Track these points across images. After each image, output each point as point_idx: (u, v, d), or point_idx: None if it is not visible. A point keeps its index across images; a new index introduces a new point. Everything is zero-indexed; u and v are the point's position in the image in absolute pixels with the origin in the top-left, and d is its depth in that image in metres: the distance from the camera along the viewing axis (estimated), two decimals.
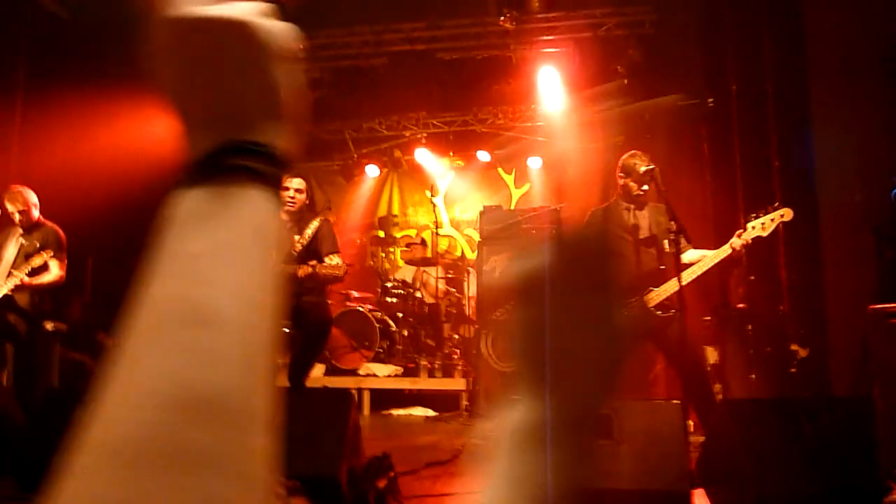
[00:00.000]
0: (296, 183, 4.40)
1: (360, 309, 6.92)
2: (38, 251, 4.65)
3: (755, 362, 4.45)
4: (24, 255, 4.71)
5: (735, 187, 4.69)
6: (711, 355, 4.88)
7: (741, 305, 4.83)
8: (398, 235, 9.28)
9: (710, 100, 5.24)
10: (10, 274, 4.63)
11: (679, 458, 2.75)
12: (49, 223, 4.90)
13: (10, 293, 4.61)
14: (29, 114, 5.71)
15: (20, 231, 4.79)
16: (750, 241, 3.58)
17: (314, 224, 4.36)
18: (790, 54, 4.58)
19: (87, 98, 6.02)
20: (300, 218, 4.44)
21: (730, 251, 3.60)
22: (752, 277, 4.60)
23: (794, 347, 4.23)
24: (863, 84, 4.30)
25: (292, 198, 4.36)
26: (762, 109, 4.58)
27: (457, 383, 6.36)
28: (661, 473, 2.70)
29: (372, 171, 9.54)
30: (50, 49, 6.04)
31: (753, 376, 4.45)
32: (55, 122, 5.72)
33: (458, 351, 6.84)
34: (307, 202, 4.50)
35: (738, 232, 3.61)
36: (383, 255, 8.71)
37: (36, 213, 4.84)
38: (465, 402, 6.17)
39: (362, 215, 9.69)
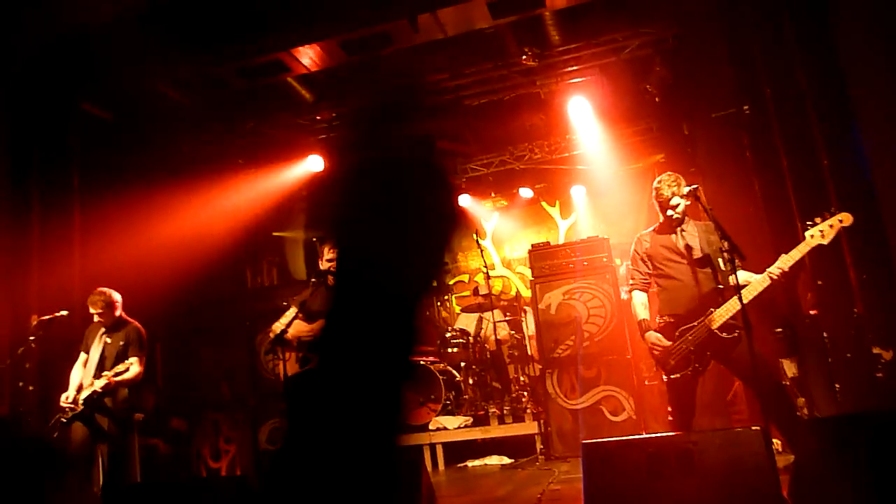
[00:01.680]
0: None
1: (422, 362, 6.90)
2: (122, 351, 4.93)
3: (837, 371, 4.22)
4: (110, 355, 4.98)
5: (786, 193, 4.53)
6: (789, 369, 4.66)
7: (813, 312, 4.61)
8: (452, 283, 9.29)
9: (746, 107, 5.11)
10: (99, 375, 4.85)
11: (768, 486, 2.61)
12: (131, 321, 5.21)
13: (98, 396, 4.81)
14: (86, 215, 6.00)
15: (103, 330, 5.04)
16: (787, 270, 3.44)
17: None
18: (820, 48, 4.45)
19: (138, 191, 6.30)
20: None
21: (769, 282, 3.47)
22: (820, 282, 4.39)
23: (876, 350, 4.00)
24: None
25: (334, 264, 4.43)
26: (801, 109, 4.44)
27: (528, 427, 6.24)
28: None
29: None
30: (99, 151, 6.37)
31: (838, 386, 4.21)
32: (111, 218, 6.00)
33: (526, 393, 6.73)
34: None
35: (776, 266, 3.47)
36: (439, 304, 8.71)
37: (118, 312, 5.12)
38: (539, 445, 6.04)
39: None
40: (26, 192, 5.67)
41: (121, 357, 4.93)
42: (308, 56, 6.20)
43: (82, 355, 5.10)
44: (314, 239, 9.81)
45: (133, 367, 4.91)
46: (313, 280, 4.59)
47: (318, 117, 7.48)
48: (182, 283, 6.50)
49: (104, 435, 4.88)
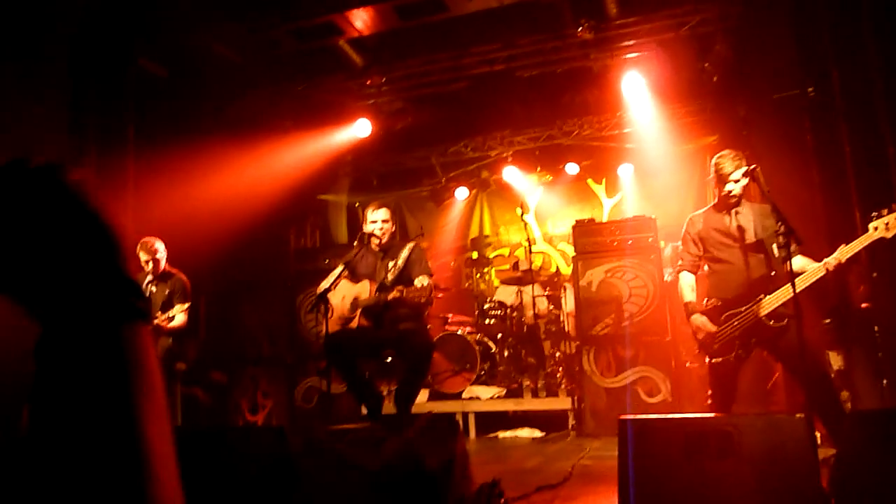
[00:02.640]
0: (381, 214, 4.51)
1: (460, 332, 6.94)
2: (167, 300, 5.07)
3: (886, 367, 4.10)
4: (155, 303, 5.10)
5: (847, 182, 4.37)
6: (836, 361, 4.55)
7: (865, 305, 4.48)
8: (492, 256, 9.28)
9: (811, 89, 4.92)
10: None
11: (809, 477, 2.56)
12: (177, 272, 5.32)
13: None
14: (140, 169, 6.13)
15: (150, 278, 5.17)
16: (844, 261, 3.33)
17: (405, 251, 4.43)
18: (894, 31, 4.25)
19: (189, 147, 6.41)
20: (391, 246, 4.53)
21: (824, 272, 3.36)
22: (875, 274, 4.26)
23: None
24: None
25: (381, 228, 4.47)
26: (869, 95, 4.25)
27: (562, 402, 6.24)
28: (791, 495, 2.52)
29: (461, 193, 9.61)
30: (154, 106, 6.49)
31: (885, 381, 4.10)
32: (163, 172, 6.12)
33: (561, 369, 6.72)
34: (394, 230, 4.60)
35: (833, 257, 3.36)
36: (478, 276, 8.71)
37: (163, 262, 5.23)
38: (571, 421, 6.04)
39: (454, 238, 9.77)
40: (83, 143, 5.81)
41: (166, 306, 5.07)
42: (361, 19, 6.17)
43: None
44: (357, 203, 9.89)
45: (178, 316, 5.05)
46: (356, 243, 4.63)
47: (367, 82, 7.46)
48: (227, 240, 6.62)
49: None
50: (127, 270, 0.66)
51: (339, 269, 4.40)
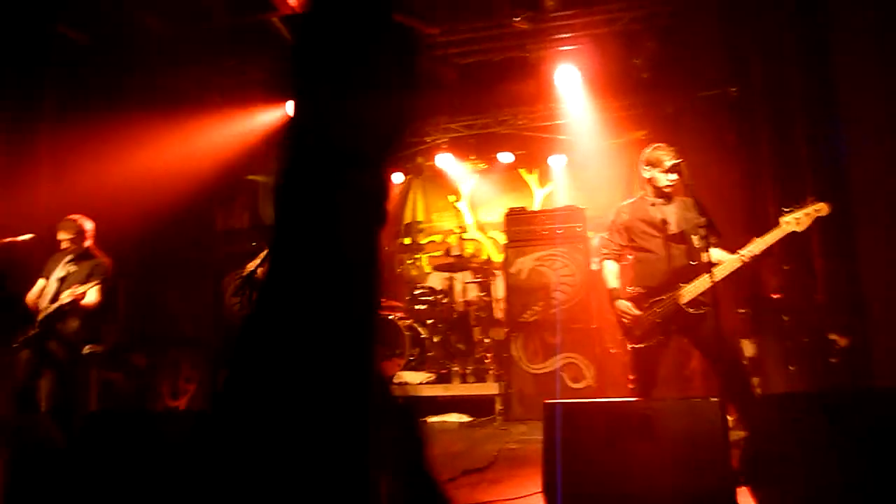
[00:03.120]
0: None
1: (391, 317, 6.93)
2: (83, 281, 4.81)
3: (794, 354, 4.36)
4: (71, 283, 4.84)
5: (764, 178, 4.60)
6: (748, 348, 4.79)
7: (776, 296, 4.73)
8: (424, 242, 9.28)
9: (734, 89, 5.14)
10: (55, 300, 4.75)
11: (722, 458, 2.70)
12: (100, 254, 5.07)
13: (51, 321, 4.72)
14: (58, 141, 5.83)
15: (70, 257, 4.95)
16: (758, 253, 3.52)
17: None
18: (814, 37, 4.49)
19: (111, 121, 6.13)
20: None
21: (740, 263, 3.54)
22: (787, 267, 4.50)
23: (832, 337, 4.13)
24: (892, 63, 4.20)
25: None
26: (788, 96, 4.49)
27: (490, 388, 6.34)
28: (705, 474, 2.65)
29: (395, 178, 9.56)
30: (73, 76, 6.16)
31: (792, 368, 4.36)
32: (81, 146, 5.83)
33: (490, 355, 6.81)
34: None
35: (748, 249, 3.54)
36: (410, 262, 8.71)
37: (87, 242, 5.00)
38: (499, 406, 6.14)
39: (388, 223, 9.71)
40: None
41: (81, 284, 4.82)
42: None
43: (41, 281, 4.96)
44: None
45: (90, 295, 4.81)
46: None
47: None
48: (152, 218, 6.38)
49: (53, 361, 4.80)
50: None
51: (266, 252, 4.29)
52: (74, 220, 4.98)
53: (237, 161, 7.79)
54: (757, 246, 3.54)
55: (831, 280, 4.26)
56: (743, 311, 4.91)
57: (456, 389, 6.46)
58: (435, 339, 6.99)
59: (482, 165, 9.48)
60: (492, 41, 7.00)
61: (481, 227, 9.63)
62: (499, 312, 7.15)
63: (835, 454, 2.42)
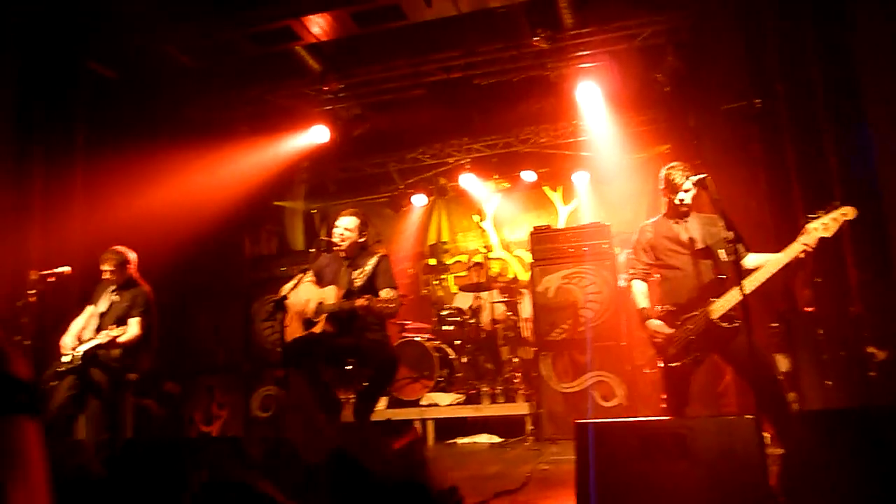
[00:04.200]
0: (344, 221, 4.49)
1: (418, 339, 6.94)
2: (125, 312, 4.97)
3: (830, 368, 4.26)
4: (114, 313, 5.00)
5: (791, 189, 4.54)
6: (783, 363, 4.70)
7: (810, 309, 4.64)
8: (449, 262, 9.31)
9: (757, 101, 5.10)
10: (100, 331, 4.90)
11: (759, 477, 2.64)
12: (142, 284, 5.23)
13: (95, 349, 4.83)
14: (90, 173, 5.98)
15: (113, 287, 5.11)
16: (812, 245, 3.44)
17: (372, 261, 4.40)
18: (836, 45, 4.44)
19: (141, 153, 6.28)
20: (357, 255, 4.50)
21: (792, 257, 3.47)
22: (819, 279, 4.42)
23: (870, 350, 4.03)
24: None
25: (341, 236, 4.44)
26: (812, 106, 4.43)
27: (520, 408, 6.30)
28: (742, 493, 2.60)
29: (419, 200, 9.63)
30: (104, 110, 6.33)
31: (829, 383, 4.26)
32: (114, 178, 5.98)
33: (519, 374, 6.77)
34: (360, 240, 4.54)
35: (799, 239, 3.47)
36: (436, 282, 8.74)
37: (130, 272, 5.17)
38: (529, 426, 6.10)
39: (412, 245, 9.77)
40: (29, 148, 5.64)
41: (123, 317, 4.94)
42: (319, 25, 6.15)
43: (89, 308, 5.10)
44: (313, 210, 9.81)
45: (131, 328, 4.93)
46: (312, 249, 4.61)
47: (324, 88, 7.43)
48: (181, 247, 6.50)
49: (96, 390, 4.89)
50: (11, 371, 0.73)
51: (300, 276, 4.35)
52: (117, 251, 5.11)
53: (263, 188, 7.92)
54: (786, 255, 3.48)
55: (866, 291, 4.17)
56: (776, 325, 4.82)
57: (486, 410, 6.43)
58: (463, 360, 6.97)
59: (506, 184, 9.51)
60: (512, 61, 7.06)
61: (506, 246, 9.64)
62: (526, 331, 7.12)
63: (874, 472, 2.36)
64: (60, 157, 5.84)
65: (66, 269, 5.10)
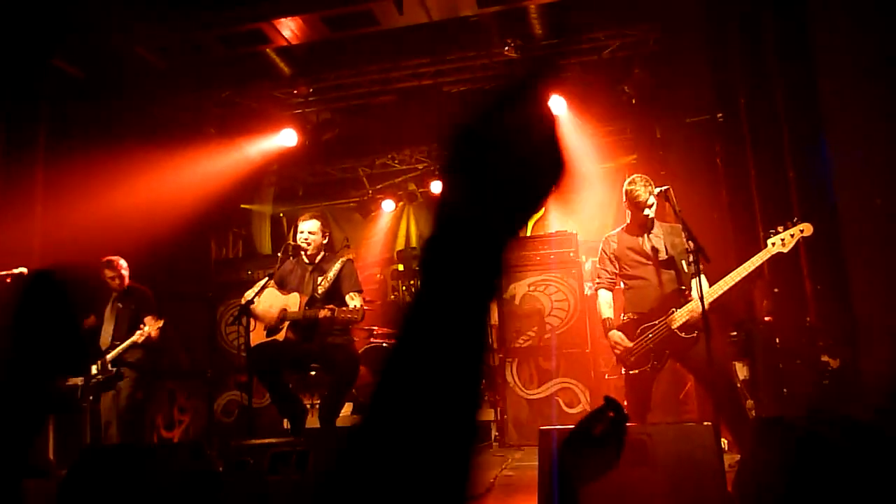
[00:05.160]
0: (309, 225, 4.47)
1: (385, 345, 6.93)
2: (134, 315, 5.30)
3: (786, 376, 4.38)
4: (123, 319, 5.31)
5: (751, 201, 4.67)
6: (741, 371, 4.81)
7: (767, 318, 4.77)
8: (418, 268, 9.31)
9: (720, 115, 5.24)
10: (116, 338, 5.23)
11: (716, 482, 2.71)
12: (140, 286, 5.51)
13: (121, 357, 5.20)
14: (51, 173, 5.87)
15: (115, 296, 5.41)
16: (745, 275, 3.57)
17: (336, 266, 4.40)
18: (798, 63, 4.58)
19: (106, 153, 6.17)
20: (321, 259, 4.49)
21: (750, 270, 3.58)
22: (777, 290, 4.55)
23: (824, 359, 4.17)
24: (874, 87, 4.29)
25: (307, 240, 4.43)
26: (773, 121, 4.57)
27: (485, 414, 6.32)
28: (700, 498, 2.66)
29: (388, 205, 9.62)
30: (68, 109, 6.21)
31: (785, 391, 4.38)
32: (76, 178, 5.87)
33: (484, 381, 6.79)
34: (324, 242, 4.55)
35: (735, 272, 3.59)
36: (404, 288, 8.72)
37: (127, 279, 5.47)
38: (494, 433, 6.13)
39: (381, 250, 9.75)
40: None
41: (134, 320, 5.20)
42: (289, 28, 6.13)
43: (92, 318, 5.34)
44: (281, 213, 9.73)
45: (149, 328, 5.18)
46: (279, 254, 4.59)
47: (294, 91, 7.40)
48: (146, 249, 6.39)
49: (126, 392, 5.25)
50: None
51: (265, 280, 4.32)
52: (114, 261, 5.42)
53: (230, 190, 7.84)
54: (744, 268, 3.59)
55: (821, 302, 4.30)
56: (735, 334, 4.94)
57: None
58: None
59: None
60: (482, 69, 7.12)
61: None
62: (492, 338, 7.15)
63: (825, 481, 2.43)
64: (20, 154, 5.71)
65: (23, 269, 5.01)
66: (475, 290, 0.65)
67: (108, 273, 5.39)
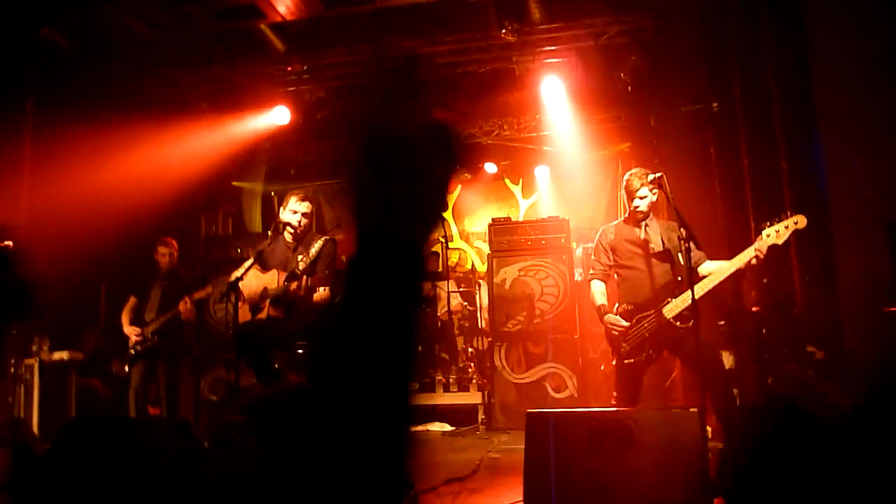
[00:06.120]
0: (304, 207, 4.46)
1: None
2: (178, 293, 5.54)
3: (772, 366, 4.42)
4: (168, 295, 5.59)
5: (744, 191, 4.68)
6: (727, 360, 4.84)
7: (755, 309, 4.80)
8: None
9: (715, 104, 5.23)
10: (162, 312, 5.51)
11: (700, 468, 2.74)
12: (183, 269, 5.86)
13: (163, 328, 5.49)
14: (39, 146, 5.79)
15: (161, 274, 5.70)
16: (763, 252, 3.57)
17: (317, 244, 4.38)
18: (793, 55, 4.57)
19: (95, 126, 6.09)
20: (303, 237, 4.49)
21: (745, 262, 3.59)
22: (765, 280, 4.57)
23: (810, 349, 4.19)
24: (868, 80, 4.29)
25: (299, 221, 4.42)
26: (767, 112, 4.56)
27: (472, 397, 6.35)
28: (684, 483, 2.68)
29: None
30: (56, 81, 6.12)
31: (770, 379, 4.41)
32: (64, 152, 5.80)
33: (473, 364, 6.82)
34: (310, 224, 4.60)
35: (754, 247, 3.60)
36: None
37: (176, 260, 5.80)
38: (481, 416, 6.16)
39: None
40: None
41: (176, 298, 5.46)
42: (285, 4, 6.05)
43: (131, 299, 5.75)
44: (272, 192, 9.67)
45: (192, 305, 5.47)
46: (270, 232, 4.57)
47: (288, 68, 7.32)
48: (134, 224, 6.34)
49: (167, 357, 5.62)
50: None
51: (251, 260, 4.30)
52: (168, 239, 5.74)
53: (221, 167, 7.77)
54: (739, 259, 3.60)
55: (808, 293, 4.32)
56: (723, 323, 4.97)
57: (439, 399, 6.47)
58: (418, 348, 6.99)
59: (467, 175, 9.52)
60: (478, 52, 7.06)
61: (466, 237, 9.67)
62: (482, 322, 7.17)
63: (805, 464, 2.45)
64: (7, 127, 5.63)
65: (8, 243, 4.95)
66: (399, 298, 0.67)
67: (162, 249, 5.69)
